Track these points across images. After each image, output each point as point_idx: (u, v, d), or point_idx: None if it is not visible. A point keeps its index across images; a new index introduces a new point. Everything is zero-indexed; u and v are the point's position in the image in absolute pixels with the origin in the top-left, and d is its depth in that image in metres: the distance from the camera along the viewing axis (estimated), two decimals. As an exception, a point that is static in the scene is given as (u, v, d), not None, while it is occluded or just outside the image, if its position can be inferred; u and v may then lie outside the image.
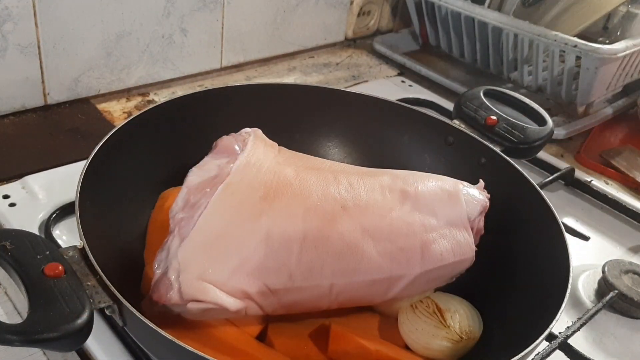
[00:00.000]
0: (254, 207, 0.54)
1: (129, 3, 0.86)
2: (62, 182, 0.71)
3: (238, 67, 1.06)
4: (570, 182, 0.86)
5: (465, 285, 0.59)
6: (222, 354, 0.51)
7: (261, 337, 0.55)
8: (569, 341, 0.59)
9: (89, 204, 0.53)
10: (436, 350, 0.54)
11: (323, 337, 0.55)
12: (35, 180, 0.72)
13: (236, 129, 0.63)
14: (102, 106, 0.90)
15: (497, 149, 0.68)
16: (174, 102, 0.68)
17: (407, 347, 0.56)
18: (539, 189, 0.62)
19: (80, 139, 0.82)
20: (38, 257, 0.45)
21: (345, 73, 1.11)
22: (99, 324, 0.55)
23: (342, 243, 0.53)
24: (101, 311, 0.48)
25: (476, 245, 0.58)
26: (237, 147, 0.60)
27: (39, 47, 0.81)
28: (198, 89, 0.89)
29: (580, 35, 0.95)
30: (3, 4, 0.76)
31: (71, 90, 0.88)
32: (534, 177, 0.69)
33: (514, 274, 0.60)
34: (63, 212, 0.67)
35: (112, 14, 0.86)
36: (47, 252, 0.46)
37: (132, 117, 0.63)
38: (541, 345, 0.49)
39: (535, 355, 0.56)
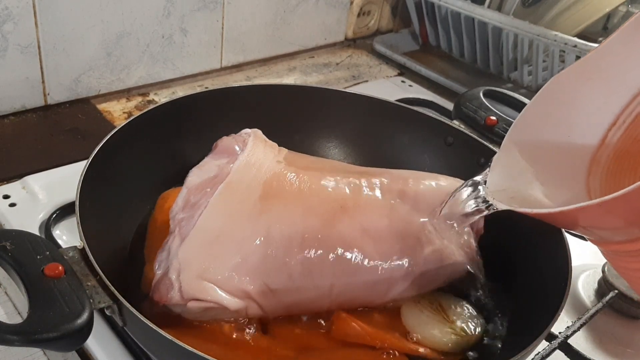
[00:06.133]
0: (254, 206, 0.54)
1: (129, 3, 0.86)
2: (62, 182, 0.71)
3: (238, 67, 1.06)
4: (570, 182, 0.86)
5: (465, 285, 0.59)
6: (224, 347, 0.51)
7: (263, 329, 0.55)
8: (569, 341, 0.59)
9: (89, 204, 0.53)
10: (440, 343, 0.54)
11: (326, 326, 0.55)
12: (36, 180, 0.72)
13: (236, 130, 0.63)
14: (102, 106, 0.90)
15: (497, 150, 0.68)
16: (174, 102, 0.68)
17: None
18: (538, 189, 0.62)
19: (80, 139, 0.82)
20: (38, 257, 0.45)
21: (345, 73, 1.11)
22: (99, 324, 0.55)
23: (342, 243, 0.53)
24: (101, 311, 0.48)
25: (476, 246, 0.58)
26: (237, 148, 0.60)
27: (39, 47, 0.81)
28: (198, 89, 0.90)
29: (580, 35, 0.95)
30: (3, 4, 0.76)
31: (71, 90, 0.88)
32: (533, 177, 0.69)
33: (513, 273, 0.60)
34: (63, 212, 0.67)
35: (112, 14, 0.86)
36: (47, 253, 0.46)
37: (132, 118, 0.64)
38: (541, 345, 0.49)
39: (535, 355, 0.56)
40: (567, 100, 0.50)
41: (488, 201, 0.49)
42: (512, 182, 0.49)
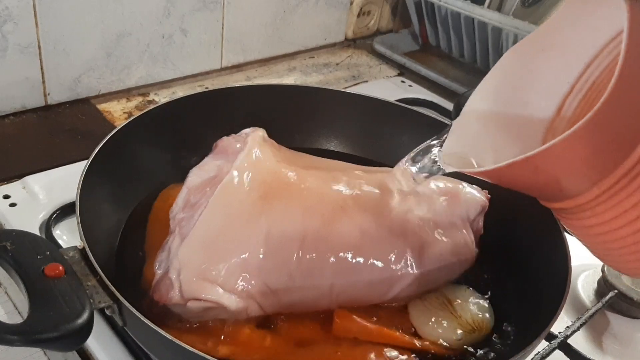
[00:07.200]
0: (254, 206, 0.54)
1: (129, 3, 0.86)
2: (63, 182, 0.71)
3: (238, 67, 1.06)
4: (570, 182, 0.86)
5: (464, 284, 0.59)
6: (224, 346, 0.51)
7: (266, 323, 0.54)
8: (569, 341, 0.59)
9: (89, 204, 0.53)
10: (447, 339, 0.54)
11: (327, 321, 0.55)
12: (36, 181, 0.72)
13: (236, 130, 0.63)
14: (102, 106, 0.90)
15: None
16: (175, 102, 0.68)
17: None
18: (538, 189, 0.62)
19: (80, 139, 0.82)
20: (38, 257, 0.45)
21: (345, 73, 1.11)
22: (99, 324, 0.55)
23: (342, 243, 0.53)
24: (101, 311, 0.48)
25: (476, 246, 0.58)
26: (237, 148, 0.60)
27: (39, 47, 0.81)
28: (198, 89, 0.90)
29: (580, 35, 0.94)
30: (3, 4, 0.76)
31: (71, 91, 0.88)
32: (533, 177, 0.69)
33: (513, 273, 0.60)
34: (63, 212, 0.67)
35: (112, 14, 0.86)
36: (48, 253, 0.46)
37: (132, 118, 0.64)
38: (541, 344, 0.49)
39: (535, 354, 0.56)
40: (524, 71, 0.51)
41: (437, 162, 0.51)
42: (466, 147, 0.51)
